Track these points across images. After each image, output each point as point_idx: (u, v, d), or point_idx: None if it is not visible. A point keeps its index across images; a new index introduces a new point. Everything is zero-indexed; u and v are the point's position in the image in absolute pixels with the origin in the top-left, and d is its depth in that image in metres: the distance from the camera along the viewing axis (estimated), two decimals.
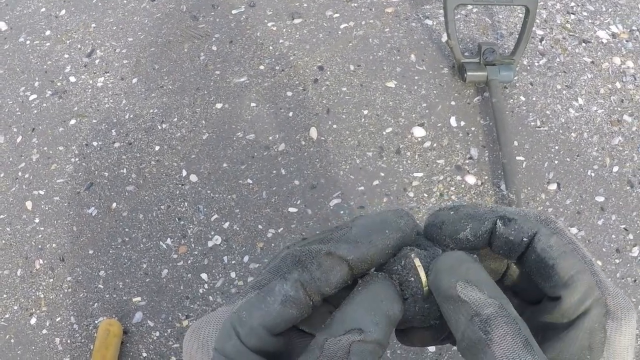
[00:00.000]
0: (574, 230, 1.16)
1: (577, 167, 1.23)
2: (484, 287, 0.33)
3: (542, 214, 0.37)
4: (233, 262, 1.18)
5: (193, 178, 1.28)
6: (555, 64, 1.36)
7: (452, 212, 0.38)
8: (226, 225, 1.22)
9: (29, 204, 1.29)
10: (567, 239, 0.35)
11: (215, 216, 1.23)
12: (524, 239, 0.36)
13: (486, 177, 1.22)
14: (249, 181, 1.26)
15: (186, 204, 1.25)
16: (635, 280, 1.12)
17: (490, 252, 0.38)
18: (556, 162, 1.24)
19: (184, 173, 1.28)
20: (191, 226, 1.22)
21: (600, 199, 1.20)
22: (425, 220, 0.39)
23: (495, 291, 0.33)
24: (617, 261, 1.14)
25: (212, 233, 1.21)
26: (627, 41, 1.39)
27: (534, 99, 1.32)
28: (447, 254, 0.35)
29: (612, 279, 1.11)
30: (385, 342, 0.34)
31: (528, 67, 1.36)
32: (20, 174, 1.33)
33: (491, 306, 0.32)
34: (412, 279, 0.36)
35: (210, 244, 1.20)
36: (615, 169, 1.23)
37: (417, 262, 0.36)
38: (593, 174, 1.22)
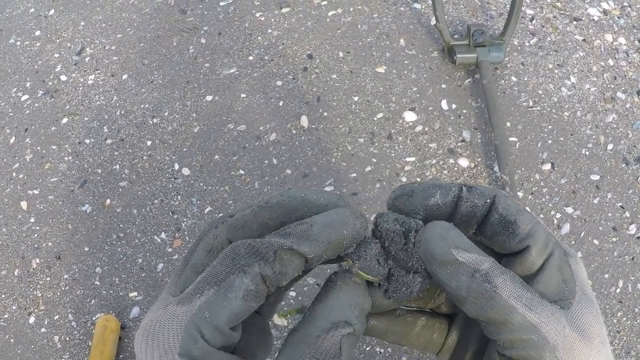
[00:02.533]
0: (569, 209, 1.14)
1: (571, 146, 1.20)
2: (473, 250, 0.37)
3: (494, 187, 0.41)
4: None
5: (185, 171, 1.25)
6: (546, 43, 1.33)
7: (417, 184, 0.41)
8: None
9: (24, 204, 1.27)
10: (515, 202, 0.40)
11: (209, 208, 1.21)
12: (487, 201, 0.40)
13: (479, 159, 1.20)
14: (241, 172, 1.24)
15: (179, 197, 1.23)
16: (633, 259, 1.09)
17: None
18: (550, 141, 1.21)
19: (176, 167, 1.26)
20: (185, 219, 1.20)
21: (596, 177, 1.17)
22: (392, 194, 0.42)
23: (481, 252, 0.37)
24: (614, 239, 1.11)
25: None
26: (618, 17, 1.35)
27: (525, 79, 1.29)
28: (432, 225, 0.38)
29: (610, 258, 1.08)
30: (360, 334, 0.38)
31: (519, 47, 1.33)
32: (14, 174, 1.31)
33: (486, 262, 0.36)
34: (397, 239, 0.39)
35: None
36: (610, 146, 1.20)
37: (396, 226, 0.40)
38: (587, 153, 1.20)
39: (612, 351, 0.42)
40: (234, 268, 0.35)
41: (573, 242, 1.11)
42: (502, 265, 0.38)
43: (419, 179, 1.19)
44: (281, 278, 0.36)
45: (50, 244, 1.22)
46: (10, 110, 1.39)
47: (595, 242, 1.11)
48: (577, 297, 0.37)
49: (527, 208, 1.10)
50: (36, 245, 1.22)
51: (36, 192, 1.28)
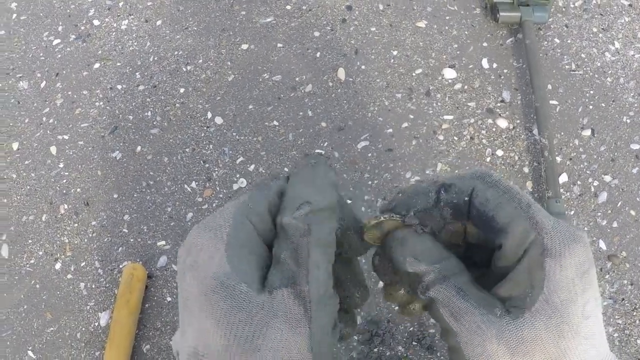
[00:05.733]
0: (607, 177, 1.08)
1: (612, 113, 1.14)
2: (426, 257, 0.38)
3: (478, 170, 0.40)
4: None
5: (218, 120, 1.20)
6: (592, 6, 1.27)
7: (399, 195, 0.42)
8: (251, 167, 1.15)
9: (53, 149, 1.22)
10: (502, 189, 0.38)
11: (241, 159, 1.16)
12: (465, 199, 0.39)
13: (518, 121, 1.14)
14: (275, 123, 1.19)
15: (211, 146, 1.17)
16: None
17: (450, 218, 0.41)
18: (591, 107, 1.15)
19: (209, 115, 1.21)
20: (216, 169, 1.15)
21: (636, 146, 1.11)
22: (380, 210, 0.43)
23: (437, 255, 0.38)
24: None
25: (238, 176, 1.14)
26: None
27: (568, 41, 1.22)
28: (396, 232, 0.41)
29: None
30: (333, 206, 0.38)
31: (563, 9, 1.26)
32: (44, 119, 1.26)
33: (431, 274, 0.37)
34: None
35: (235, 186, 1.13)
36: None
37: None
38: (629, 121, 1.14)
39: None
40: (269, 177, 0.40)
41: (610, 212, 1.05)
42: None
43: (456, 138, 1.13)
44: None
45: (79, 190, 1.17)
46: (41, 54, 1.34)
47: (632, 212, 1.05)
48: (535, 308, 0.34)
49: (565, 174, 1.05)
50: (64, 191, 1.18)
51: (66, 137, 1.23)
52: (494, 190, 0.38)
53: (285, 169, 1.14)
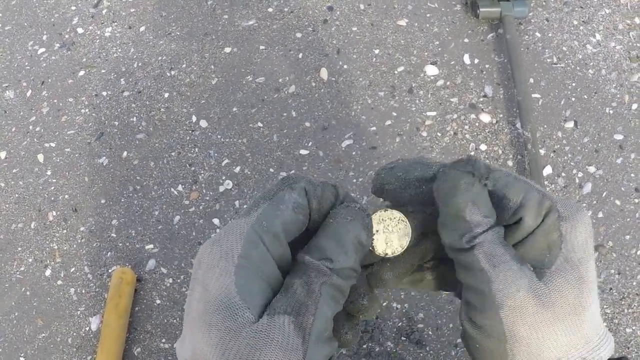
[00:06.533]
0: (591, 168, 1.08)
1: (595, 105, 1.15)
2: (483, 210, 0.39)
3: (467, 162, 0.41)
4: (244, 206, 1.11)
5: (203, 123, 1.20)
6: (572, 0, 1.27)
7: (400, 160, 0.44)
8: (237, 169, 1.15)
9: (40, 157, 1.23)
10: (504, 172, 0.40)
11: (226, 161, 1.16)
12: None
13: (501, 115, 1.14)
14: (260, 125, 1.19)
15: (197, 149, 1.18)
16: None
17: None
18: (573, 99, 1.15)
19: (194, 119, 1.21)
20: (202, 172, 1.15)
21: (619, 137, 1.11)
22: (375, 172, 0.44)
23: (488, 212, 0.39)
24: (637, 200, 1.06)
25: (224, 178, 1.14)
26: None
27: (549, 35, 1.23)
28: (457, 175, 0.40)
29: (631, 219, 1.03)
30: (357, 267, 0.38)
31: (543, 3, 1.27)
32: (31, 127, 1.26)
33: (482, 226, 0.39)
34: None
35: (221, 188, 1.14)
36: (635, 106, 1.14)
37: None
38: (611, 112, 1.14)
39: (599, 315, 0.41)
40: (284, 186, 0.39)
41: (595, 202, 1.05)
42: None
43: (439, 134, 1.14)
44: (322, 200, 0.40)
45: (66, 196, 1.18)
46: (26, 64, 1.34)
47: (617, 202, 1.06)
48: (556, 266, 0.38)
49: (549, 166, 1.05)
50: (52, 198, 1.18)
51: (53, 144, 1.23)
52: (500, 173, 0.40)
53: (271, 170, 1.14)
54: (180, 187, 1.15)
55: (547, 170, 1.08)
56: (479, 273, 0.37)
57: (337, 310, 0.38)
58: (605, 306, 0.98)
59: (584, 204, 1.05)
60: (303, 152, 1.15)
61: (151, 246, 1.11)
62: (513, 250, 0.38)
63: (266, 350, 0.34)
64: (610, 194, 1.06)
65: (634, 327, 0.96)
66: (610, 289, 0.99)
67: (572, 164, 1.09)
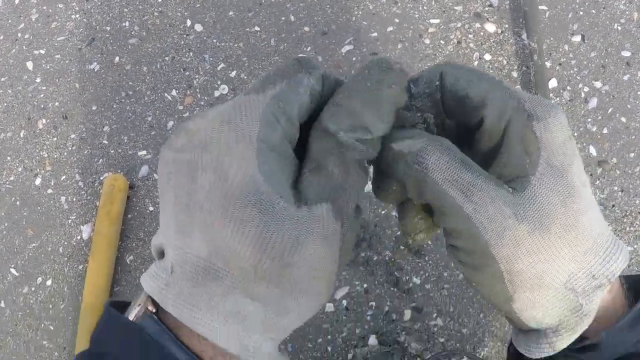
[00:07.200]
0: (598, 84, 1.05)
1: (603, 20, 1.10)
2: (411, 137, 0.35)
3: (443, 61, 0.34)
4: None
5: (198, 27, 1.16)
6: None
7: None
8: (233, 74, 1.11)
9: (29, 65, 1.18)
10: (471, 70, 0.36)
11: (222, 65, 1.12)
12: (437, 83, 0.36)
13: (506, 26, 1.10)
14: (257, 29, 1.14)
15: (191, 54, 1.13)
16: None
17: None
18: (581, 13, 1.11)
19: (189, 23, 1.17)
20: (197, 76, 1.11)
21: (627, 53, 1.08)
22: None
23: (422, 137, 0.35)
24: None
25: (219, 82, 1.11)
26: None
27: None
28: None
29: (636, 136, 1.00)
30: (387, 132, 0.35)
31: None
32: (19, 35, 1.22)
33: (418, 143, 0.34)
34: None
35: (216, 93, 1.10)
36: None
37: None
38: (620, 28, 1.10)
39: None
40: (301, 69, 0.35)
41: (600, 118, 1.02)
42: (468, 145, 0.36)
43: (442, 42, 1.10)
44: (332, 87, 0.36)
45: (57, 103, 1.14)
46: None
47: (623, 119, 1.03)
48: (539, 172, 0.33)
49: (554, 79, 1.01)
50: (42, 106, 1.14)
51: (42, 51, 1.19)
52: (463, 71, 0.36)
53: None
54: (174, 92, 1.11)
55: (553, 83, 1.05)
56: (450, 209, 0.34)
57: (367, 183, 0.36)
58: (607, 223, 0.96)
59: (589, 119, 1.02)
60: (302, 57, 1.11)
61: (144, 152, 1.07)
62: (479, 168, 0.34)
63: (308, 241, 0.32)
64: (616, 111, 1.03)
65: (635, 246, 0.94)
66: (613, 206, 0.97)
67: (578, 78, 1.06)
